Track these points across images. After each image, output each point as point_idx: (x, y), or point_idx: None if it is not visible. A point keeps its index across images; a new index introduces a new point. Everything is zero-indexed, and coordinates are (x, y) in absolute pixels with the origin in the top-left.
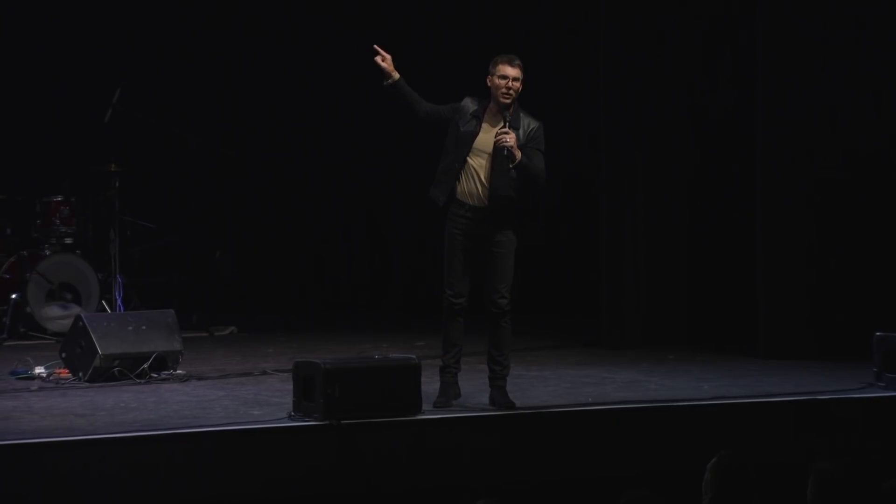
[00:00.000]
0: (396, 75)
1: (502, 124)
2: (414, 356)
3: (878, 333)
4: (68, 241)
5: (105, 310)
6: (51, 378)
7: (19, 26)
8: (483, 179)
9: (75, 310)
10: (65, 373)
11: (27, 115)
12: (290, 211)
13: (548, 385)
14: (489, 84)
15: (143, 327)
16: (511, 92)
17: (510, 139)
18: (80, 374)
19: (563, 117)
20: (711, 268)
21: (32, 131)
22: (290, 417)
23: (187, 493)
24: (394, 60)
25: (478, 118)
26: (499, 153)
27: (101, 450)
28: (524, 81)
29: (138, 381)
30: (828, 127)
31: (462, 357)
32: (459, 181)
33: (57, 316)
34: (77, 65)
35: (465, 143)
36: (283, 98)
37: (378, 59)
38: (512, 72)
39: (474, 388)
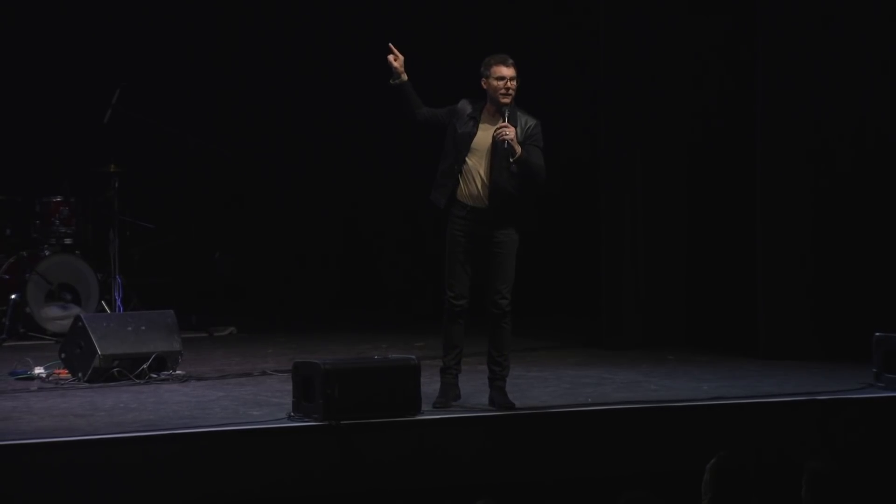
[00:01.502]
0: (405, 77)
1: (501, 120)
2: (413, 356)
3: (878, 333)
4: (68, 241)
5: (104, 310)
6: (50, 378)
7: (20, 26)
8: (483, 178)
9: (75, 310)
10: (64, 373)
11: (27, 115)
12: (290, 211)
13: (547, 385)
14: (484, 86)
15: (143, 328)
16: (510, 92)
17: (510, 133)
18: (80, 374)
19: (563, 117)
20: (711, 268)
21: (32, 131)
22: (290, 418)
23: (187, 493)
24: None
25: (475, 119)
26: (498, 150)
27: (101, 450)
28: (519, 78)
29: (138, 381)
30: (828, 126)
31: (462, 358)
32: (460, 183)
33: (56, 316)
34: (77, 65)
35: (464, 144)
36: (283, 98)
37: (391, 57)
38: (508, 72)
39: (474, 388)
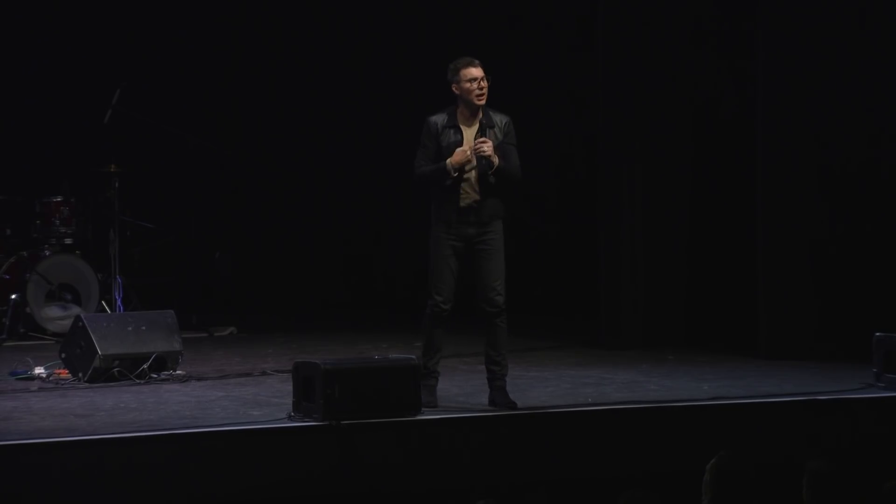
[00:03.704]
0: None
1: (477, 131)
2: (414, 356)
3: (878, 334)
4: (68, 241)
5: (105, 310)
6: (50, 379)
7: (20, 26)
8: (472, 181)
9: (75, 310)
10: (64, 373)
11: (27, 115)
12: (290, 211)
13: (548, 385)
14: (456, 91)
15: (143, 328)
16: (485, 91)
17: (488, 148)
18: (80, 374)
19: (562, 117)
20: (711, 267)
21: (32, 131)
22: (290, 418)
23: (187, 494)
24: (390, 62)
25: (455, 127)
26: (479, 159)
27: (101, 450)
28: (489, 76)
29: (138, 381)
30: (828, 125)
31: (461, 357)
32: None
33: (57, 316)
34: (77, 65)
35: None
36: (283, 98)
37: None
38: (478, 72)
39: (474, 388)
